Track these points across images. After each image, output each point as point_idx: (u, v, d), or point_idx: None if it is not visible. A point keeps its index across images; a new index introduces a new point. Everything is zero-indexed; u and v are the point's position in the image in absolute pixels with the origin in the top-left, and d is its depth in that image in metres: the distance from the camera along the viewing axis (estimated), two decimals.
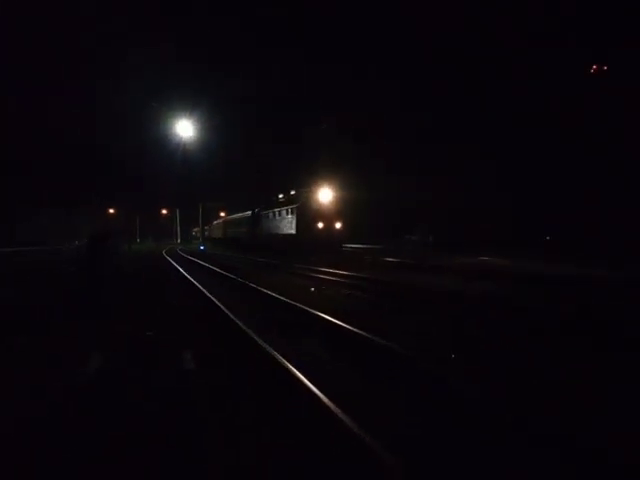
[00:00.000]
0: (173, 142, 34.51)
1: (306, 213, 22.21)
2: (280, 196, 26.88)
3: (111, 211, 64.81)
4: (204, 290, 9.09)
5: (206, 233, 60.94)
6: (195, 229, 78.51)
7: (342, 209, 22.78)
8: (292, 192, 25.26)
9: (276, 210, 26.07)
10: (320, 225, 21.96)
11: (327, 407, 2.95)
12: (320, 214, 22.15)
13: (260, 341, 4.67)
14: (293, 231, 22.86)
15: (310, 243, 21.31)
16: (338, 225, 22.43)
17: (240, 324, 5.54)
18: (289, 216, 23.63)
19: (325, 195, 22.57)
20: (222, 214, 58.43)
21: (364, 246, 28.47)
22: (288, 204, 24.37)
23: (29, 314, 7.75)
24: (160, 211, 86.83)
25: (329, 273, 13.10)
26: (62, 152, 48.55)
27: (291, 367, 3.75)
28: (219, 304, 7.17)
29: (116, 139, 55.31)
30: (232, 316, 6.04)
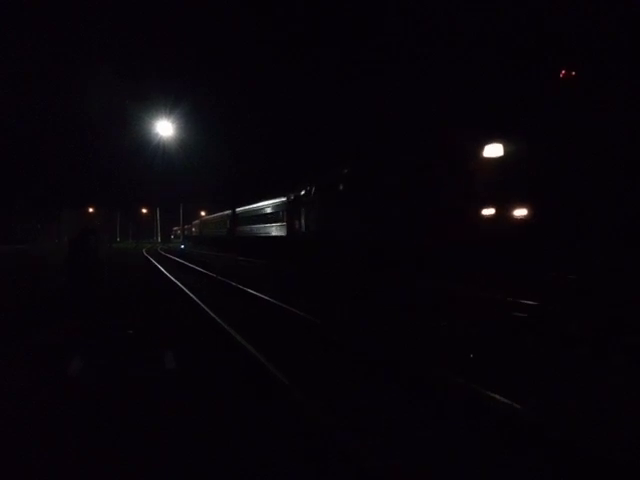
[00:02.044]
0: (153, 141, 34.36)
1: (434, 186, 10.33)
2: (346, 171, 14.26)
3: (90, 210, 64.36)
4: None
5: (188, 232, 61.57)
6: (176, 228, 78.68)
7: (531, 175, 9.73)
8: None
9: (326, 193, 14.62)
10: (488, 210, 9.53)
11: None
12: (481, 187, 9.64)
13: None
14: (358, 225, 11.93)
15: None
16: (522, 212, 9.64)
17: None
18: (372, 195, 12.11)
19: (494, 150, 9.59)
20: (202, 213, 58.87)
21: None
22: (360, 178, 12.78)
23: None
24: (140, 210, 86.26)
25: None
26: (40, 150, 47.64)
27: None
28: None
29: (96, 137, 54.46)
30: None
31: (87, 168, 53.34)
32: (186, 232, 62.15)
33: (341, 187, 14.22)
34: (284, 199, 21.41)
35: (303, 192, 17.69)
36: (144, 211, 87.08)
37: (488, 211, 9.58)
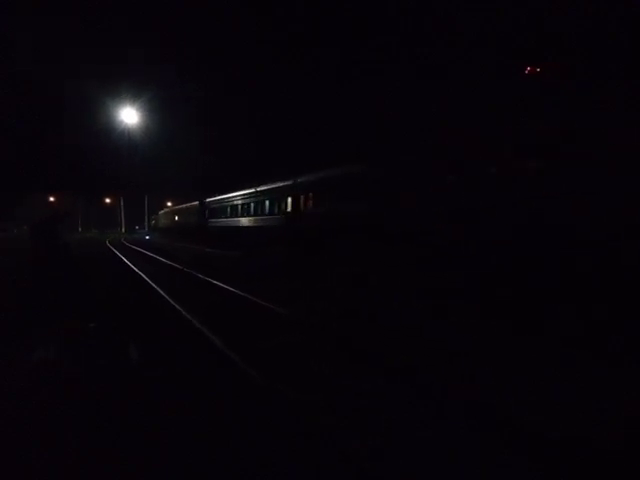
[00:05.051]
0: (118, 129, 33.51)
1: None
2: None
3: (52, 199, 61.25)
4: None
5: (153, 222, 60.66)
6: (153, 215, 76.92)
7: None
8: None
9: None
10: None
11: None
12: None
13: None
14: None
15: None
16: None
17: None
18: None
19: None
20: (169, 204, 58.16)
21: None
22: None
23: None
24: (103, 199, 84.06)
25: None
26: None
27: None
28: None
29: (58, 124, 52.12)
30: None
31: (49, 155, 51.40)
32: (152, 222, 61.20)
33: None
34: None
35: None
36: (108, 201, 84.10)
37: None
